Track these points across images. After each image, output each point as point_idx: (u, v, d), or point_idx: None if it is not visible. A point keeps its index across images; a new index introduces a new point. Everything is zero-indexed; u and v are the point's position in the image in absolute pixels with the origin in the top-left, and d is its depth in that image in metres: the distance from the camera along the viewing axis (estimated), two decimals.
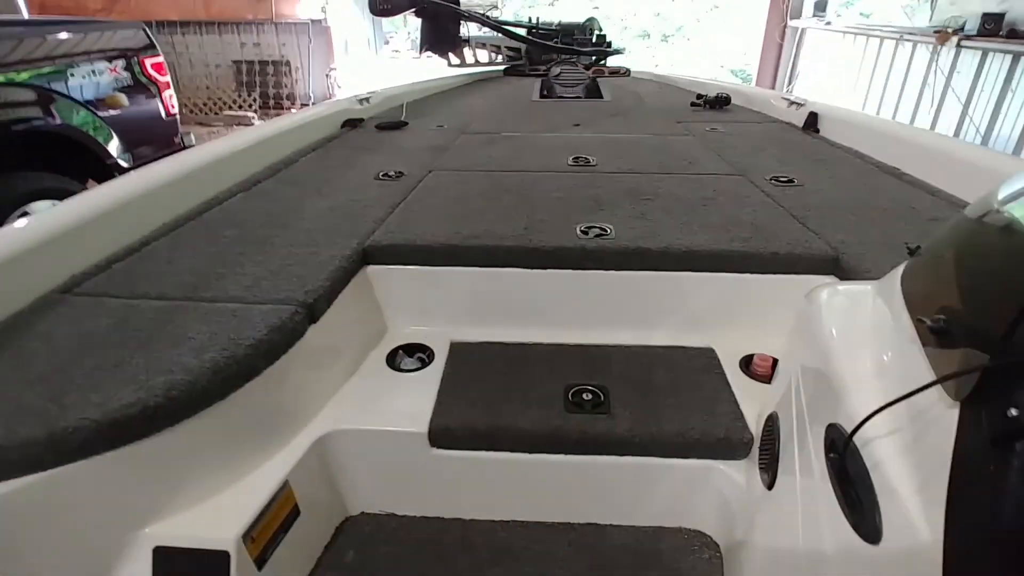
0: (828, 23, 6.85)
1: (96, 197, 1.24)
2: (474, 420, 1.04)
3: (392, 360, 1.21)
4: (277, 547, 0.91)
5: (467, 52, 2.96)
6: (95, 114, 3.17)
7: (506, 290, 1.27)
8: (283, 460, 0.96)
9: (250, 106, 8.24)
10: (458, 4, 2.64)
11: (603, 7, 13.36)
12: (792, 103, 2.35)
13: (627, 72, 3.24)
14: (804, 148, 1.98)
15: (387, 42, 13.47)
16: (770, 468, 0.86)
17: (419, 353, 1.23)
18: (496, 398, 1.09)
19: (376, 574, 1.01)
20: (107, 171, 3.25)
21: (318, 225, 1.34)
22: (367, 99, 2.35)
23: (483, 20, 2.79)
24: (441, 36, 2.64)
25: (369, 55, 10.01)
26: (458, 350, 1.22)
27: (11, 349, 0.88)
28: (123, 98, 3.32)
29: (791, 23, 7.56)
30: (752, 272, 1.24)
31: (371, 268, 1.25)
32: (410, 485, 1.09)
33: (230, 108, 8.20)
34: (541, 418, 1.05)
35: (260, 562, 0.87)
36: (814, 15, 7.10)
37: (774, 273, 1.24)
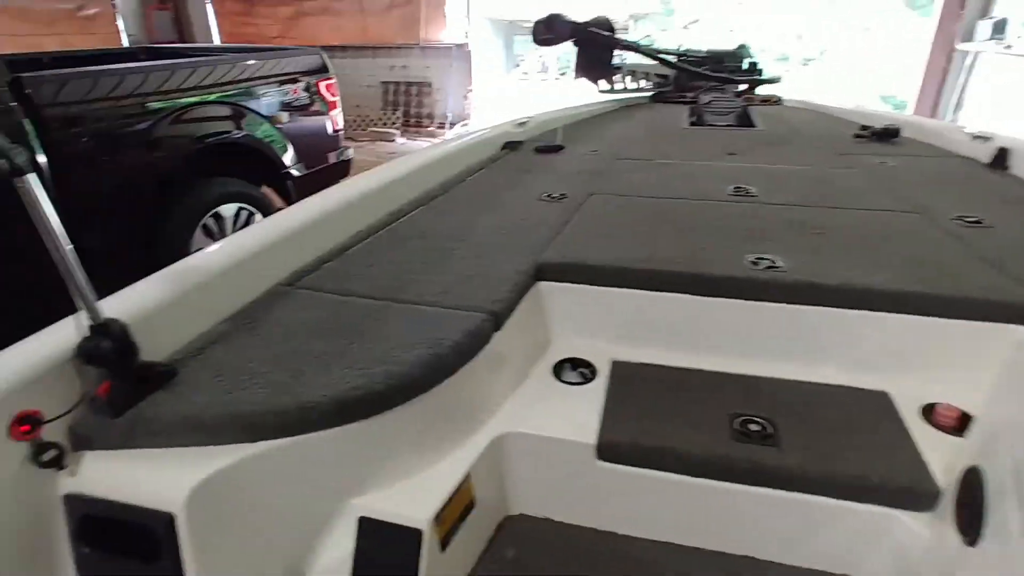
0: (1008, 47, 6.17)
1: (308, 208, 1.43)
2: (641, 437, 1.07)
3: (557, 372, 1.27)
4: (456, 533, 0.99)
5: (616, 78, 3.03)
6: (276, 127, 3.60)
7: (670, 315, 1.29)
8: (466, 454, 1.04)
9: (393, 123, 8.88)
10: (614, 33, 2.71)
11: (739, 29, 12.97)
12: (976, 137, 2.16)
13: (778, 100, 3.14)
14: (993, 186, 1.82)
15: (517, 65, 14.02)
16: (972, 525, 0.81)
17: (582, 368, 1.28)
18: (661, 418, 1.10)
19: (533, 573, 1.06)
20: (280, 178, 3.67)
21: (493, 240, 1.44)
22: (524, 123, 2.48)
23: (637, 48, 2.84)
24: (595, 63, 2.71)
25: (501, 77, 10.44)
26: (621, 369, 1.25)
27: (256, 331, 1.05)
28: (285, 115, 3.71)
29: (960, 47, 6.89)
30: (937, 316, 1.17)
31: (542, 284, 1.33)
32: (571, 493, 1.13)
33: (375, 125, 8.90)
34: (708, 443, 1.05)
35: (443, 544, 0.95)
36: (992, 38, 6.42)
37: (963, 319, 1.16)
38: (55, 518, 0.81)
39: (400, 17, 8.90)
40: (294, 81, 3.73)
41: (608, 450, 1.07)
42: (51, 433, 0.80)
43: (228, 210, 3.26)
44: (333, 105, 4.04)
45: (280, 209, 3.59)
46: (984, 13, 6.62)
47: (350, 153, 4.25)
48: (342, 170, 4.19)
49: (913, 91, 7.84)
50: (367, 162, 4.55)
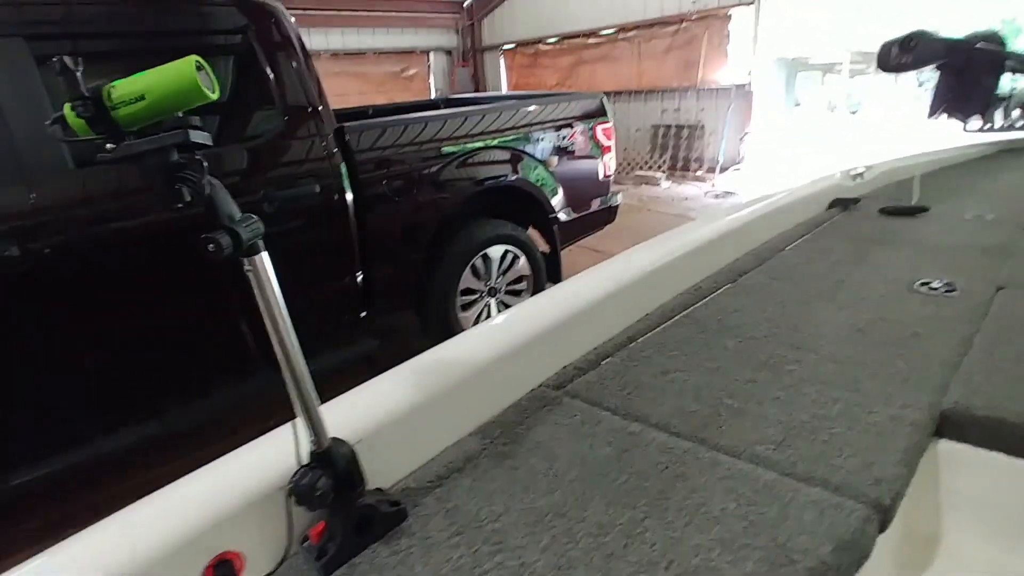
0: None
1: (587, 282, 1.14)
2: None
3: None
4: None
5: (998, 113, 2.22)
6: (548, 171, 3.55)
7: None
8: None
9: (659, 167, 8.59)
10: (1004, 48, 1.95)
11: None
12: None
13: None
14: None
15: (798, 104, 12.64)
16: None
17: None
18: None
19: None
20: (548, 222, 3.60)
21: (848, 353, 0.96)
22: (860, 173, 1.88)
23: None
24: (968, 92, 1.98)
25: (781, 117, 9.40)
26: None
27: (512, 460, 0.76)
28: (558, 160, 3.63)
29: None
30: None
31: (945, 445, 0.81)
32: None
33: (640, 168, 8.71)
34: None
35: None
36: None
37: None
38: None
39: (678, 60, 8.64)
40: (571, 125, 3.66)
41: None
42: None
43: (495, 251, 3.27)
44: (607, 149, 3.89)
45: (544, 253, 3.57)
46: None
47: (618, 199, 4.05)
48: (608, 216, 4.00)
49: None
50: (628, 205, 4.31)
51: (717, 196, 7.18)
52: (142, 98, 0.49)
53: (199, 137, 0.51)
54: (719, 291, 1.23)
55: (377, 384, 0.82)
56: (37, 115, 1.77)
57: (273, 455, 0.66)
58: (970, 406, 0.80)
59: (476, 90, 11.81)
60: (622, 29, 9.22)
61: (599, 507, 0.67)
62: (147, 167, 0.49)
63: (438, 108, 5.07)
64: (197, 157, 0.51)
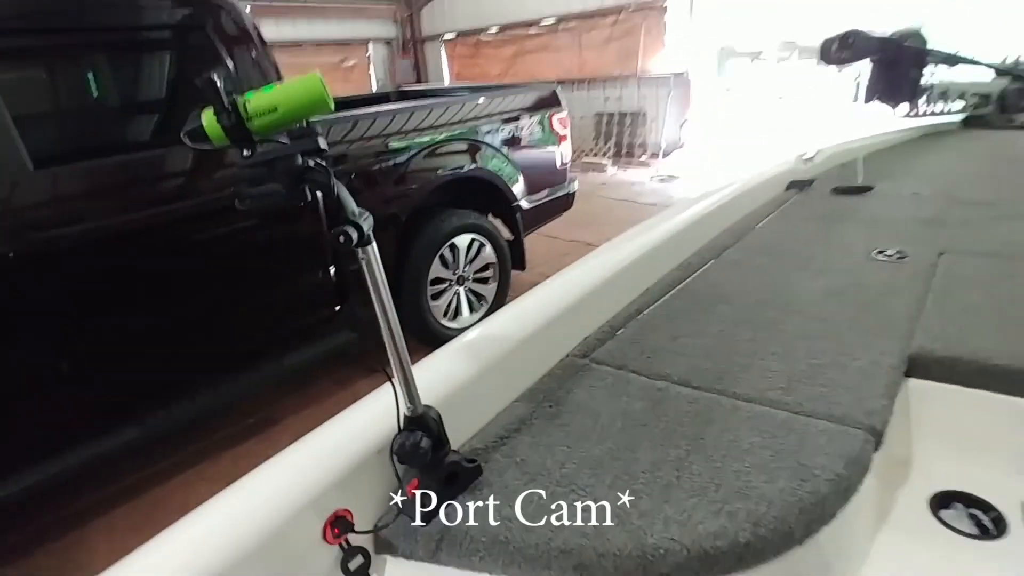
0: None
1: (592, 266, 1.25)
2: None
3: (936, 509, 0.90)
4: None
5: (922, 101, 2.48)
6: (507, 160, 3.63)
7: None
8: None
9: (605, 154, 8.82)
10: (925, 45, 2.19)
11: None
12: None
13: None
14: None
15: (728, 89, 13.21)
16: None
17: (974, 509, 0.89)
18: None
19: None
20: (510, 210, 3.69)
21: (829, 313, 1.11)
22: (811, 158, 2.08)
23: (959, 60, 2.28)
24: (897, 82, 2.22)
25: (715, 103, 9.82)
26: None
27: (561, 419, 0.86)
28: (516, 149, 3.71)
29: None
30: None
31: (914, 382, 0.97)
32: None
33: (586, 156, 8.91)
34: None
35: None
36: None
37: None
38: None
39: (618, 50, 8.87)
40: (528, 115, 3.75)
41: None
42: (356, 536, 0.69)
43: (462, 241, 3.33)
44: (563, 138, 4.00)
45: (507, 240, 3.66)
46: None
47: (575, 186, 4.18)
48: (567, 202, 4.13)
49: None
50: (579, 192, 4.48)
51: (662, 180, 7.46)
52: (275, 110, 0.54)
53: (324, 143, 0.58)
54: (706, 266, 1.37)
55: (433, 360, 0.91)
56: None
57: (367, 422, 0.73)
58: (932, 349, 0.96)
59: (418, 80, 11.70)
60: (563, 19, 9.36)
61: (647, 449, 0.78)
62: (278, 171, 0.55)
63: (388, 100, 5.05)
64: (322, 162, 0.57)
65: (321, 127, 2.29)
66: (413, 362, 0.83)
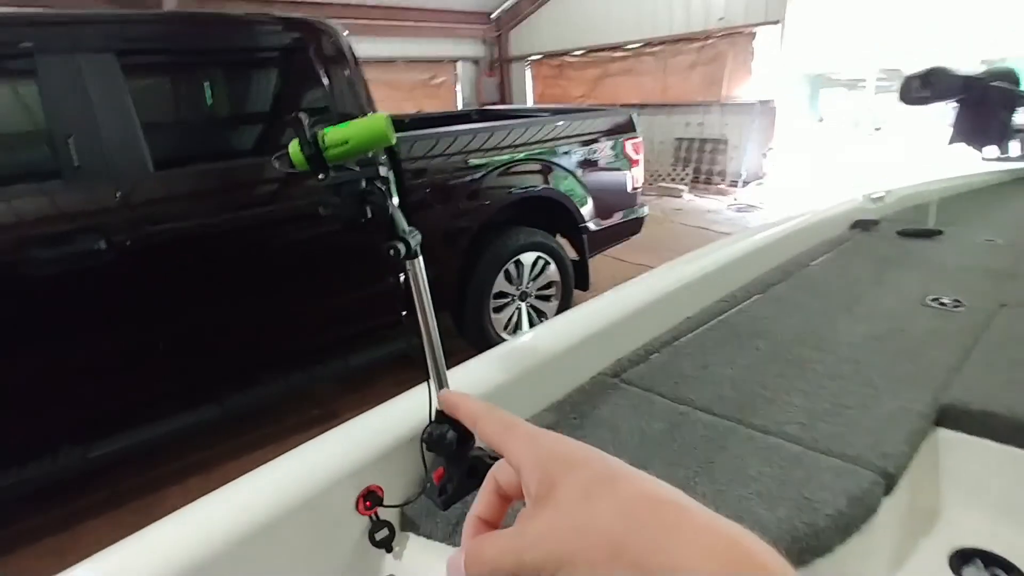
0: None
1: (636, 289, 1.30)
2: None
3: (956, 565, 0.89)
4: None
5: (1013, 144, 2.35)
6: (578, 182, 3.70)
7: None
8: None
9: (682, 180, 8.72)
10: (1019, 85, 2.10)
11: None
12: None
13: None
14: None
15: (821, 119, 12.70)
16: None
17: (995, 568, 0.88)
18: None
19: None
20: (578, 231, 3.76)
21: (864, 356, 1.12)
22: (881, 196, 2.03)
23: None
24: (984, 124, 2.13)
25: (805, 133, 9.48)
26: None
27: (583, 429, 0.93)
28: (589, 171, 3.78)
29: None
30: None
31: (945, 433, 0.96)
32: None
33: (663, 181, 8.84)
34: None
35: None
36: None
37: None
38: None
39: (702, 75, 8.78)
40: (601, 139, 3.82)
41: None
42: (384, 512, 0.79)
43: (528, 258, 3.43)
44: (635, 163, 4.04)
45: (573, 260, 3.73)
46: None
47: (645, 210, 4.20)
48: (635, 226, 4.15)
49: None
50: (651, 216, 4.48)
51: (739, 210, 7.29)
52: (346, 143, 0.66)
53: (384, 172, 0.69)
54: (750, 300, 1.38)
55: (470, 365, 1.00)
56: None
57: (404, 412, 0.83)
58: (967, 401, 0.95)
59: (502, 99, 12.03)
60: (648, 44, 9.38)
61: (658, 467, 0.83)
62: (345, 192, 0.67)
63: (469, 119, 5.27)
64: (381, 187, 0.68)
65: (407, 144, 2.47)
66: (460, 364, 0.93)
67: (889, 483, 0.83)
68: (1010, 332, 1.18)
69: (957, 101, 2.14)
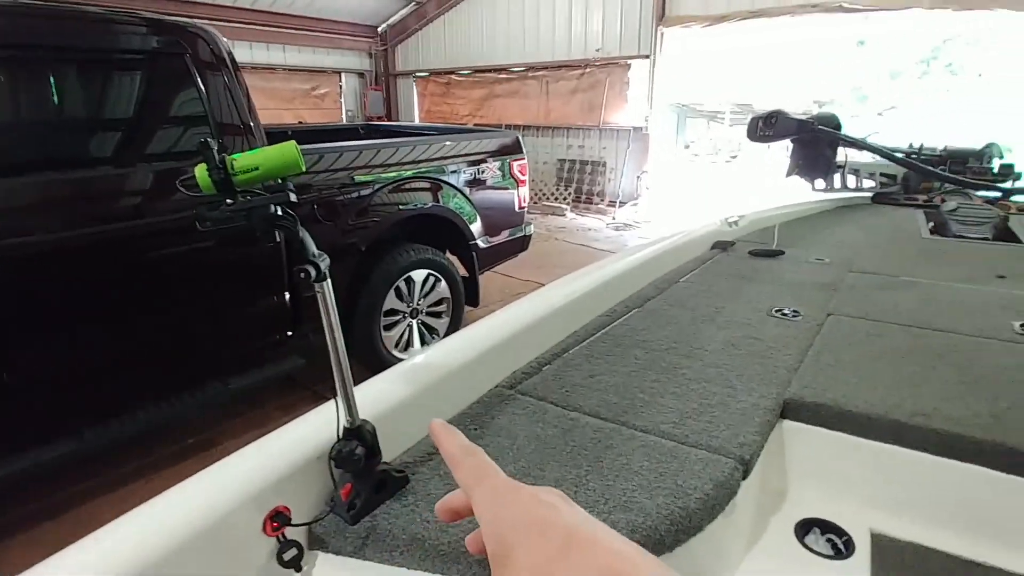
0: None
1: (528, 307, 1.39)
2: None
3: (800, 534, 1.06)
4: None
5: (836, 177, 2.78)
6: (468, 201, 3.79)
7: (956, 489, 1.02)
8: None
9: (565, 199, 9.15)
10: (840, 129, 2.49)
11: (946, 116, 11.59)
12: None
13: None
14: None
15: (687, 146, 13.99)
16: None
17: (830, 534, 1.05)
18: None
19: None
20: (468, 248, 3.85)
21: (724, 360, 1.28)
22: (736, 221, 2.31)
23: (864, 146, 2.59)
24: (813, 161, 2.50)
25: (673, 159, 10.38)
26: (885, 546, 1.00)
27: (483, 439, 0.99)
28: (478, 190, 3.89)
29: None
30: None
31: (788, 423, 1.14)
32: None
33: (547, 200, 9.23)
34: None
35: None
36: None
37: None
38: None
39: (582, 101, 9.33)
40: (489, 159, 3.95)
41: None
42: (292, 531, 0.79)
43: (418, 275, 3.45)
44: (522, 183, 4.21)
45: (463, 277, 3.79)
46: None
47: (531, 229, 4.38)
48: (523, 244, 4.31)
49: None
50: (537, 234, 4.69)
51: (617, 228, 7.79)
52: (256, 168, 0.67)
53: (294, 197, 0.70)
54: (630, 314, 1.53)
55: (375, 381, 1.02)
56: None
57: (310, 431, 0.84)
58: (803, 395, 1.13)
59: (388, 113, 11.92)
60: (532, 68, 9.80)
61: (554, 468, 0.91)
62: (256, 216, 0.67)
63: (357, 133, 5.19)
64: (291, 212, 0.70)
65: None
66: (357, 383, 0.95)
67: (746, 469, 0.97)
68: (834, 337, 1.41)
69: (792, 140, 2.50)
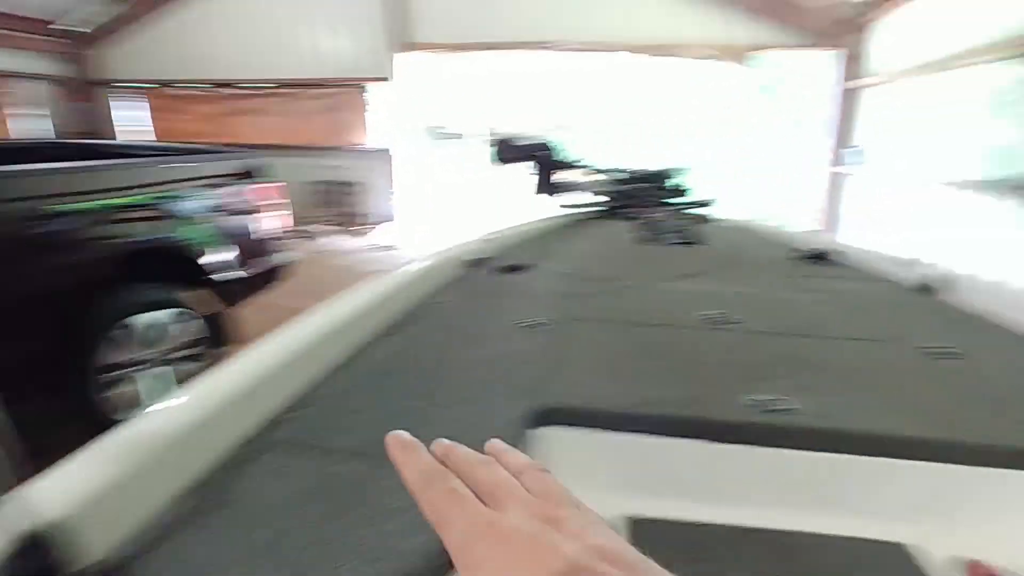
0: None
1: (273, 347, 1.28)
2: None
3: None
4: None
5: (574, 195, 3.16)
6: (199, 230, 3.37)
7: (684, 463, 1.22)
8: None
9: (324, 221, 8.78)
10: (550, 152, 2.87)
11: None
12: (901, 261, 2.34)
13: (705, 218, 3.33)
14: (933, 312, 1.94)
15: (437, 167, 14.66)
16: None
17: None
18: None
19: None
20: (209, 283, 3.43)
21: (477, 377, 1.35)
22: (487, 239, 2.45)
23: (579, 166, 3.01)
24: (546, 180, 2.84)
25: (421, 178, 10.71)
26: (637, 527, 1.15)
27: (229, 507, 0.88)
28: (219, 217, 3.51)
29: (835, 169, 7.89)
30: (977, 465, 1.14)
31: (543, 430, 1.24)
32: None
33: (305, 223, 8.75)
34: None
35: None
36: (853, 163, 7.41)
37: (988, 466, 1.14)
38: None
39: (325, 121, 9.18)
40: (230, 183, 3.59)
41: None
42: None
43: (144, 319, 2.96)
44: (271, 208, 3.92)
45: (210, 313, 3.35)
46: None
47: (286, 256, 4.08)
48: (276, 273, 4.00)
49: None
50: (298, 258, 4.40)
51: (378, 249, 7.73)
52: None
53: None
54: (387, 340, 1.51)
55: (73, 463, 0.83)
56: None
57: None
58: (548, 403, 1.25)
59: (93, 130, 10.03)
60: (267, 84, 9.24)
61: (309, 525, 0.85)
62: None
63: (65, 150, 4.22)
64: None
65: None
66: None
67: None
68: (575, 340, 1.58)
69: (534, 162, 2.78)
